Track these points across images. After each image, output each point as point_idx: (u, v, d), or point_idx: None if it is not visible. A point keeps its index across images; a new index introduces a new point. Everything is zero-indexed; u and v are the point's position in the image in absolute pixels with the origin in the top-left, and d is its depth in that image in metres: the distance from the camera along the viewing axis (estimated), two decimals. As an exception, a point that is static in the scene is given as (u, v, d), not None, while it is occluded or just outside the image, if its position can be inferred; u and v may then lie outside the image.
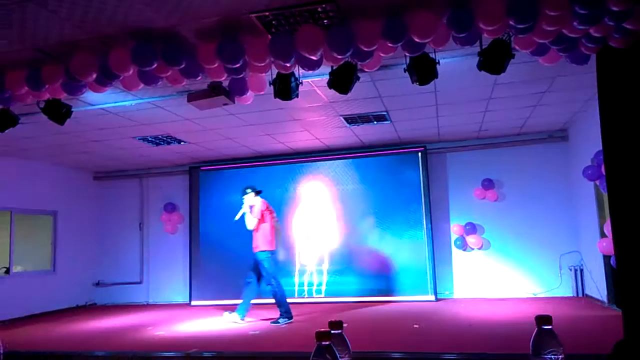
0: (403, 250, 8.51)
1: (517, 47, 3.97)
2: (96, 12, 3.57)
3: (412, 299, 8.23)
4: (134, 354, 5.16)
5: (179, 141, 7.94)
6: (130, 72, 4.08)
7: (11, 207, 8.62)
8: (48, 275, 9.30)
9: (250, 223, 6.80)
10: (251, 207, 6.90)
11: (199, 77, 4.33)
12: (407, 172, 8.71)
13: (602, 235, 6.55)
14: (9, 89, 4.41)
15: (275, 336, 5.85)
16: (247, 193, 6.99)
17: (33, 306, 8.70)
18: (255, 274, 6.80)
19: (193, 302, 9.25)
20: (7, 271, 8.61)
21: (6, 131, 5.17)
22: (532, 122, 7.62)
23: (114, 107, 5.98)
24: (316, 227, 9.02)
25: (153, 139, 7.76)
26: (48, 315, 8.68)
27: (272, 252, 6.84)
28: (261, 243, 6.77)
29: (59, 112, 4.95)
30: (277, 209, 9.12)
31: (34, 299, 8.78)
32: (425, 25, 3.58)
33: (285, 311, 6.67)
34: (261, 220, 6.82)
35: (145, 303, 9.82)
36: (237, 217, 6.95)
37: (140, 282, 10.03)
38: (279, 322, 6.60)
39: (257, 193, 7.05)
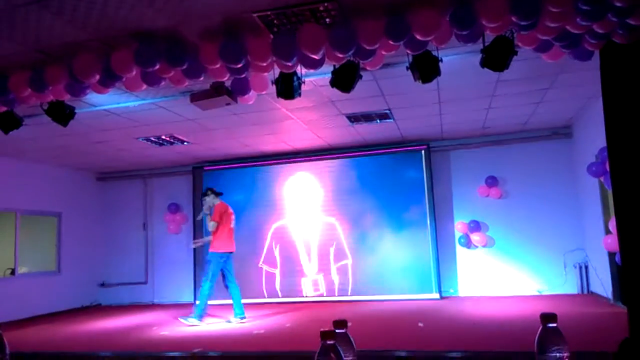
0: (407, 248, 8.50)
1: (520, 44, 3.96)
2: (99, 14, 3.58)
3: (416, 297, 8.22)
4: (139, 354, 5.18)
5: (182, 141, 7.95)
6: (133, 73, 4.10)
7: (16, 208, 8.66)
8: (53, 276, 9.34)
9: (211, 226, 6.88)
10: (211, 209, 6.97)
11: (202, 78, 4.34)
12: (410, 170, 8.70)
13: (607, 232, 6.52)
14: (12, 91, 4.43)
15: (279, 335, 5.87)
16: (207, 195, 7.07)
17: (38, 307, 8.74)
18: (223, 275, 6.89)
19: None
20: (12, 272, 8.66)
21: (10, 133, 5.20)
22: (535, 119, 7.60)
23: (117, 108, 5.99)
24: (319, 226, 9.02)
25: (156, 140, 7.77)
26: (53, 315, 8.72)
27: (229, 254, 6.92)
28: (216, 244, 6.85)
29: (62, 114, 4.97)
30: (280, 207, 9.17)
31: (39, 299, 8.82)
32: (428, 23, 3.57)
33: (199, 314, 6.72)
34: (220, 222, 6.88)
35: (150, 303, 9.86)
36: (198, 218, 7.05)
37: (145, 282, 10.06)
38: (186, 319, 6.69)
39: (218, 195, 7.13)
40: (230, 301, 6.90)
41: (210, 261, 6.81)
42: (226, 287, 6.91)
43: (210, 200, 7.05)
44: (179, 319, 6.67)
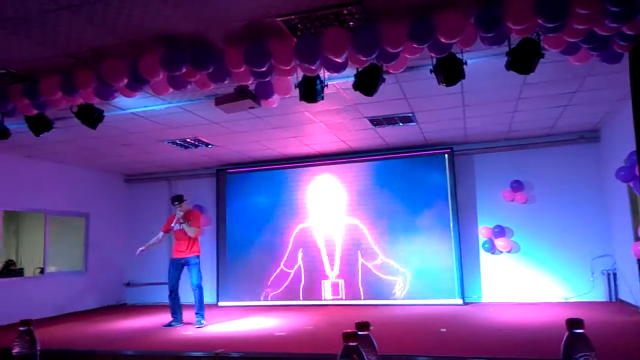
0: (430, 253, 8.43)
1: (546, 46, 3.90)
2: (127, 19, 3.67)
3: (439, 302, 8.13)
4: (162, 354, 5.25)
5: (206, 144, 8.05)
6: (160, 77, 4.18)
7: (45, 209, 8.89)
8: (80, 275, 9.54)
9: (193, 231, 6.90)
10: (186, 214, 7.01)
11: (226, 81, 4.39)
12: (433, 174, 8.62)
13: (636, 238, 6.36)
14: (43, 94, 4.56)
15: (301, 337, 5.87)
16: (182, 201, 7.05)
17: (66, 305, 8.95)
18: (176, 280, 7.03)
19: (220, 303, 9.35)
20: (42, 271, 8.88)
21: (41, 135, 5.35)
22: (562, 122, 7.46)
23: (144, 111, 6.11)
24: (341, 229, 9.01)
25: (181, 142, 7.89)
26: (80, 314, 8.90)
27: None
28: (196, 248, 6.98)
29: (91, 117, 5.09)
30: (302, 211, 9.19)
31: (67, 298, 9.03)
32: (452, 25, 3.55)
33: (202, 314, 6.94)
34: (200, 227, 7.05)
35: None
36: (173, 225, 7.05)
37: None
38: (202, 324, 6.82)
39: (185, 202, 7.18)
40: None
41: (194, 265, 6.91)
42: (170, 293, 7.04)
43: (184, 207, 7.06)
44: (195, 327, 6.76)
